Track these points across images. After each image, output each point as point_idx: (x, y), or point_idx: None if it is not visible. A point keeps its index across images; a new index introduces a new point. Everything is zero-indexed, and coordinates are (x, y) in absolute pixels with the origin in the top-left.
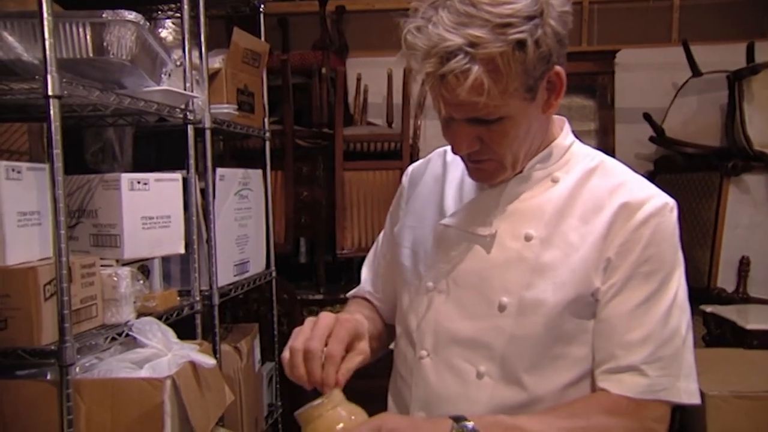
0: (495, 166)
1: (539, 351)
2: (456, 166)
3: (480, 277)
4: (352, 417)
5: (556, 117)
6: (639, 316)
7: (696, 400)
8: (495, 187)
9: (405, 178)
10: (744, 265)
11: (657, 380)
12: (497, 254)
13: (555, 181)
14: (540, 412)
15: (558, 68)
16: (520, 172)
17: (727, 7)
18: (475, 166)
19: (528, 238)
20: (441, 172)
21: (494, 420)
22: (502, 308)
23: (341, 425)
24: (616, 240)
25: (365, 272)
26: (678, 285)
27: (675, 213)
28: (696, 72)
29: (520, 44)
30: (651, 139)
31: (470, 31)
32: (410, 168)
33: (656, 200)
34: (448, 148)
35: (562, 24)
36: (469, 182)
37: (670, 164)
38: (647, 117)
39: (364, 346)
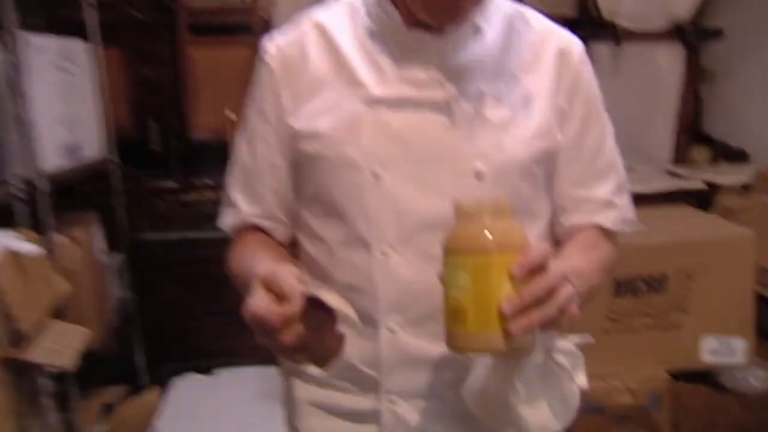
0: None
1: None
2: (344, 33)
3: (442, 148)
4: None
5: None
6: (601, 152)
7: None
8: (421, 47)
9: (271, 60)
10: None
11: (625, 211)
12: (455, 118)
13: (476, 29)
14: (566, 246)
15: None
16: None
17: None
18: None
19: (481, 96)
20: (328, 43)
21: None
22: (479, 176)
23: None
24: (562, 86)
25: (240, 195)
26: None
27: None
28: None
29: None
30: None
31: None
32: (272, 47)
33: (578, 41)
34: (316, 15)
35: None
36: (377, 49)
37: None
38: None
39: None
